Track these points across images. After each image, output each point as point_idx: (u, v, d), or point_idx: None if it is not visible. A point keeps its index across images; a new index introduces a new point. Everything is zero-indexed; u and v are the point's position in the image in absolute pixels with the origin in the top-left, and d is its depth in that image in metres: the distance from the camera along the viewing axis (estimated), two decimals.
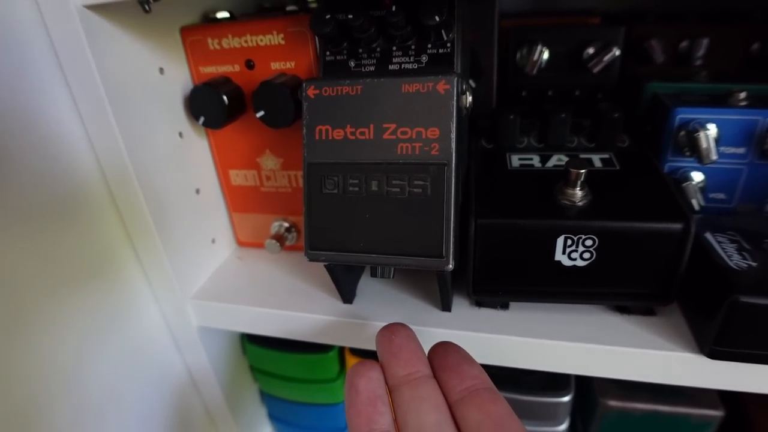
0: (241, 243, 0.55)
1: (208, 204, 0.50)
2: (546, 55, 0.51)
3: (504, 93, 0.53)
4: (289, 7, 0.46)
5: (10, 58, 0.35)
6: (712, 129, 0.41)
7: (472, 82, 0.49)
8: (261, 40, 0.43)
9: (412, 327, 0.39)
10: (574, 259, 0.36)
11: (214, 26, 0.43)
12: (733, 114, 0.41)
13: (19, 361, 0.36)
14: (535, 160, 0.43)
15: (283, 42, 0.42)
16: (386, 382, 0.30)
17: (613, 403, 0.45)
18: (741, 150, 0.42)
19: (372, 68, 0.37)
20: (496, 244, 0.37)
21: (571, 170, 0.36)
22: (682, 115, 0.42)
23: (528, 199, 0.38)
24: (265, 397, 0.60)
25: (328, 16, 0.35)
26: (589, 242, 0.35)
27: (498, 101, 0.52)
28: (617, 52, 0.49)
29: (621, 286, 0.37)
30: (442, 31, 0.35)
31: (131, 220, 0.43)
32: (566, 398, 0.45)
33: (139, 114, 0.41)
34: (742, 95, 0.42)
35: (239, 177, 0.50)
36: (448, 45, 0.36)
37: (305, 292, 0.46)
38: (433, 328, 0.40)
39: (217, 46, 0.44)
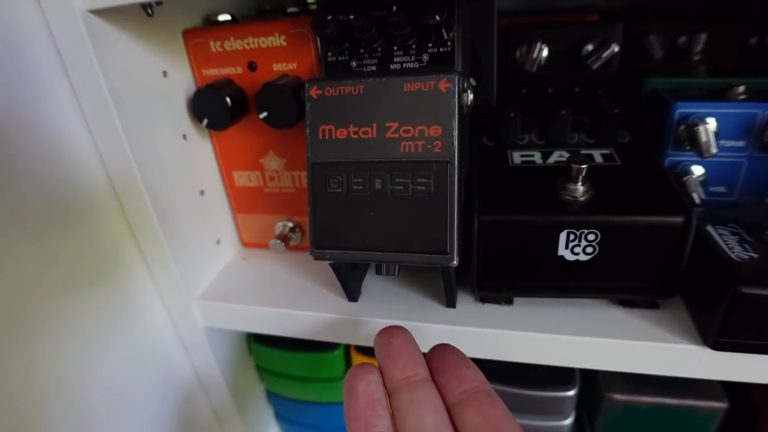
0: (245, 244, 0.55)
1: (212, 205, 0.50)
2: (545, 52, 0.51)
3: (504, 91, 0.53)
4: (290, 9, 0.46)
5: (15, 62, 0.35)
6: (712, 123, 0.41)
7: (472, 81, 0.50)
8: (263, 42, 0.43)
9: (417, 324, 0.40)
10: (577, 254, 0.37)
11: (217, 29, 0.44)
12: (732, 108, 0.41)
13: (24, 363, 0.37)
14: (537, 157, 0.43)
15: (284, 43, 0.43)
16: (384, 386, 0.30)
17: (618, 396, 0.45)
18: (740, 143, 0.42)
19: (374, 68, 0.38)
20: (500, 240, 0.37)
21: (573, 166, 0.36)
22: (682, 109, 0.42)
23: (530, 195, 0.38)
24: (272, 397, 0.61)
25: (329, 17, 0.36)
26: (591, 237, 0.36)
27: (498, 99, 0.52)
28: (616, 49, 0.50)
29: (624, 279, 0.38)
30: (443, 30, 0.36)
31: (137, 221, 0.43)
32: (571, 392, 0.45)
33: (143, 117, 0.41)
34: (741, 89, 0.42)
35: (243, 178, 0.50)
36: (449, 44, 0.37)
37: (310, 291, 0.46)
38: (438, 324, 0.40)
39: (220, 49, 0.44)
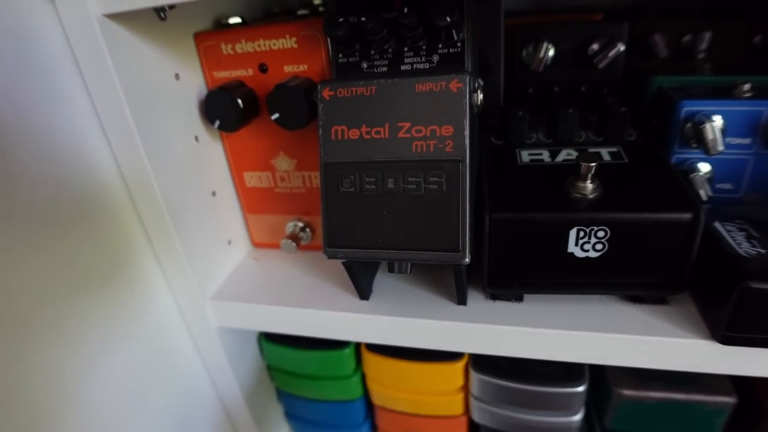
0: (256, 244, 0.56)
1: (223, 206, 0.51)
2: (551, 52, 0.52)
3: (511, 91, 0.54)
4: (301, 11, 0.47)
5: (31, 66, 0.36)
6: (718, 120, 0.41)
7: (480, 81, 0.50)
8: (274, 44, 0.44)
9: (429, 321, 0.40)
10: (587, 251, 0.37)
11: (228, 32, 0.44)
12: (737, 105, 0.42)
13: (36, 363, 0.37)
14: (545, 155, 0.43)
15: (295, 45, 0.43)
16: None
17: (627, 392, 0.45)
18: (746, 140, 0.43)
19: (384, 69, 0.38)
20: (510, 238, 0.38)
21: (582, 164, 0.37)
22: (688, 107, 0.43)
23: (540, 193, 0.39)
24: (282, 396, 0.61)
25: (341, 20, 0.36)
26: (601, 234, 0.36)
27: (505, 99, 0.53)
28: (622, 48, 0.50)
29: (633, 276, 0.38)
30: (453, 32, 0.36)
31: (150, 221, 0.44)
32: (581, 388, 0.46)
33: (157, 119, 0.42)
34: (746, 87, 0.43)
35: (253, 179, 0.51)
36: (459, 44, 0.37)
37: (322, 290, 0.47)
38: (449, 321, 0.41)
39: (231, 51, 0.45)
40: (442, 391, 0.52)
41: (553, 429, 0.49)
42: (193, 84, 0.46)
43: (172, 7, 0.41)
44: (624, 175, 0.40)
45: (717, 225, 0.39)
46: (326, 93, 0.37)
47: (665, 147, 0.44)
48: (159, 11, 0.40)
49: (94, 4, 0.35)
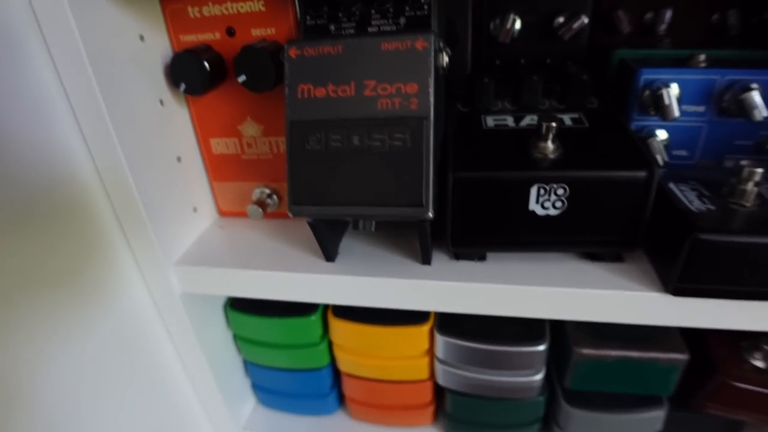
0: (222, 213, 0.55)
1: (189, 172, 0.50)
2: (518, 24, 0.53)
3: (478, 62, 0.54)
4: None
5: None
6: (674, 88, 0.43)
7: (448, 50, 0.51)
8: (241, 7, 0.43)
9: (394, 280, 0.41)
10: (547, 209, 0.38)
11: None
12: (693, 74, 0.43)
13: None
14: (509, 121, 0.44)
15: (263, 8, 0.43)
16: None
17: (586, 351, 0.47)
18: (701, 108, 0.44)
19: (352, 31, 0.39)
20: (473, 196, 0.39)
21: (544, 124, 0.38)
22: (647, 75, 0.44)
23: (503, 154, 0.40)
24: (249, 367, 0.61)
25: None
26: (560, 191, 0.37)
27: (472, 70, 0.54)
28: (586, 20, 0.51)
29: (591, 233, 0.39)
30: None
31: (113, 186, 0.43)
32: (542, 347, 0.47)
33: (121, 81, 0.41)
34: (702, 57, 0.44)
35: (220, 145, 0.50)
36: (425, 7, 0.38)
37: (288, 254, 0.47)
38: (413, 279, 0.41)
39: (198, 14, 0.44)
40: (407, 355, 0.53)
41: (515, 389, 0.50)
42: (158, 47, 0.45)
43: None
44: (584, 138, 0.41)
45: (671, 185, 0.40)
46: (293, 52, 0.37)
47: (625, 114, 0.46)
48: None
49: None
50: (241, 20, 0.44)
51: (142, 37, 0.44)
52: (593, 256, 0.42)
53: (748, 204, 0.37)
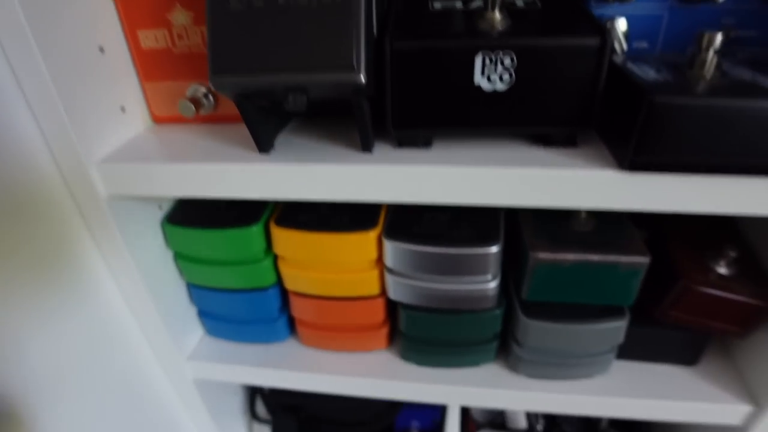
0: (157, 119, 0.51)
1: (114, 66, 0.46)
2: None
3: None
4: None
5: None
6: None
7: None
8: None
9: (332, 167, 0.38)
10: (494, 83, 0.35)
11: None
12: None
13: None
14: (458, 4, 0.41)
15: None
16: None
17: (543, 255, 0.45)
18: None
19: None
20: (414, 69, 0.36)
21: None
22: None
23: (447, 27, 0.37)
24: (193, 291, 0.58)
25: None
26: (507, 61, 0.34)
27: None
28: None
29: (542, 110, 0.36)
30: None
31: (25, 73, 0.39)
32: (494, 248, 0.44)
33: None
34: None
35: (149, 38, 0.46)
36: None
37: (221, 150, 0.43)
38: (354, 164, 0.38)
39: None
40: (355, 265, 0.50)
41: (469, 298, 0.48)
42: None
43: None
44: (535, 14, 0.38)
45: (629, 64, 0.38)
46: None
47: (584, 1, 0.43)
48: None
49: None
50: None
51: None
52: (545, 140, 0.39)
53: (707, 75, 0.34)
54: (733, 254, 0.47)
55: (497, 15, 0.36)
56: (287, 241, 0.49)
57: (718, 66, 0.35)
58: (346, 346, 0.58)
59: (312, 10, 0.32)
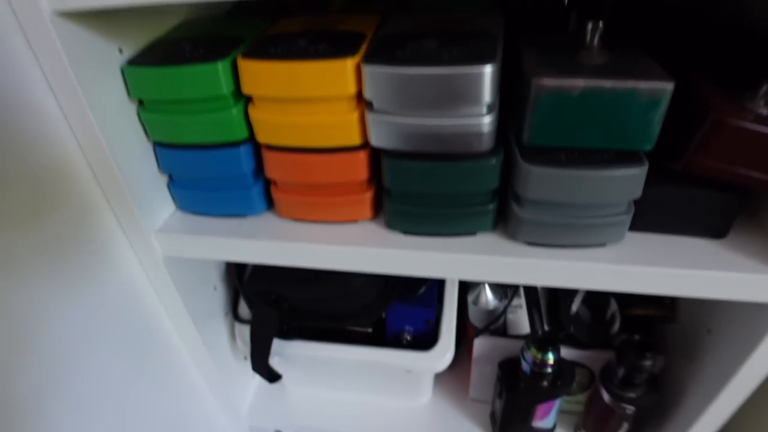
0: None
1: None
2: None
3: None
4: None
5: None
6: None
7: None
8: None
9: None
10: None
11: None
12: None
13: None
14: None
15: None
16: None
17: (547, 82, 0.38)
18: None
19: None
20: None
21: None
22: None
23: None
24: (161, 154, 0.52)
25: None
26: None
27: None
28: None
29: None
30: None
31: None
32: (489, 68, 0.37)
33: None
34: None
35: None
36: None
37: None
38: None
39: None
40: (333, 106, 0.43)
41: (461, 137, 0.41)
42: None
43: None
44: None
45: None
46: None
47: None
48: None
49: None
50: None
51: None
52: None
53: None
54: None
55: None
56: (256, 75, 0.43)
57: None
58: (328, 215, 0.52)
59: None
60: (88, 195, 0.50)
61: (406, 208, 0.48)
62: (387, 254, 0.49)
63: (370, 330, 0.72)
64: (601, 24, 0.42)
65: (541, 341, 0.61)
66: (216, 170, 0.51)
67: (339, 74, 0.41)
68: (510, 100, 0.45)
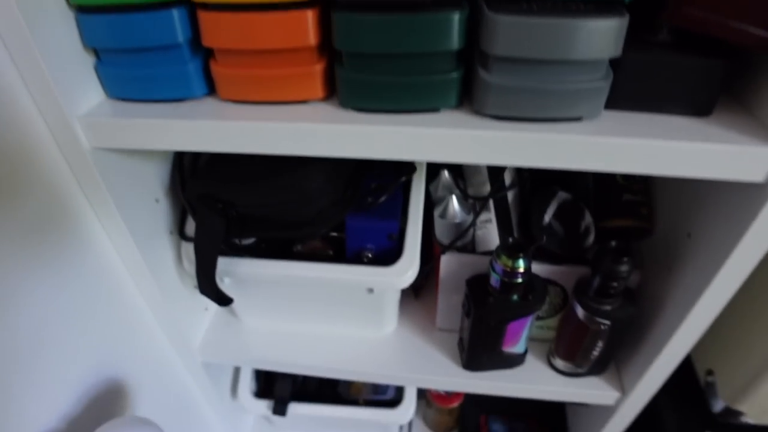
0: None
1: None
2: None
3: None
4: None
5: None
6: None
7: None
8: None
9: None
10: None
11: None
12: None
13: None
14: None
15: None
16: None
17: None
18: None
19: None
20: None
21: None
22: None
23: None
24: (83, 22, 0.45)
25: None
26: None
27: None
28: None
29: None
30: None
31: None
32: None
33: None
34: None
35: None
36: None
37: None
38: None
39: None
40: None
41: None
42: None
43: None
44: None
45: None
46: None
47: None
48: None
49: None
50: None
51: None
52: None
53: None
54: None
55: None
56: None
57: None
58: (274, 94, 0.46)
59: None
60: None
61: (360, 76, 0.43)
62: (340, 132, 0.44)
63: (330, 252, 0.67)
64: None
65: (511, 247, 0.56)
66: (146, 39, 0.44)
67: None
68: None
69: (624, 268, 0.54)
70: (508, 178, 0.65)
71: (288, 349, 0.75)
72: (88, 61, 0.49)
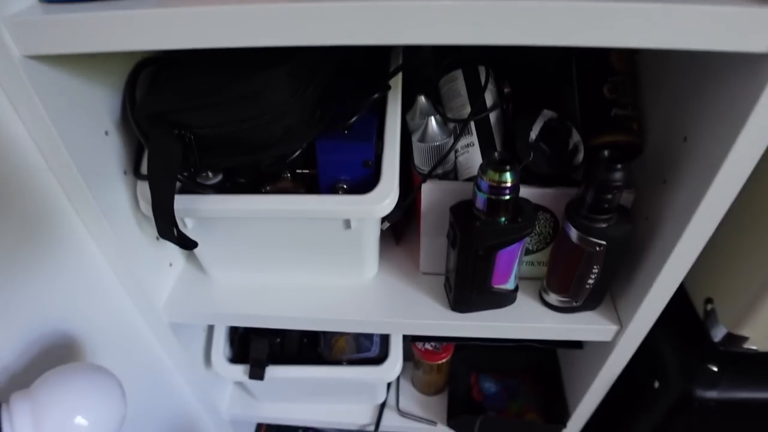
0: None
1: None
2: None
3: None
4: None
5: None
6: None
7: None
8: None
9: None
10: None
11: None
12: None
13: None
14: None
15: None
16: None
17: None
18: None
19: None
20: None
21: None
22: None
23: None
24: None
25: None
26: None
27: None
28: None
29: None
30: None
31: None
32: None
33: None
34: None
35: None
36: None
37: None
38: None
39: None
40: None
41: None
42: None
43: None
44: None
45: None
46: None
47: None
48: None
49: None
50: None
51: None
52: None
53: None
54: None
55: None
56: None
57: None
58: None
59: None
60: None
61: None
62: (303, 10, 0.39)
63: (302, 192, 0.61)
64: None
65: (497, 161, 0.52)
66: None
67: None
68: None
69: (618, 175, 0.50)
70: (489, 99, 0.61)
71: (263, 302, 0.69)
72: None
